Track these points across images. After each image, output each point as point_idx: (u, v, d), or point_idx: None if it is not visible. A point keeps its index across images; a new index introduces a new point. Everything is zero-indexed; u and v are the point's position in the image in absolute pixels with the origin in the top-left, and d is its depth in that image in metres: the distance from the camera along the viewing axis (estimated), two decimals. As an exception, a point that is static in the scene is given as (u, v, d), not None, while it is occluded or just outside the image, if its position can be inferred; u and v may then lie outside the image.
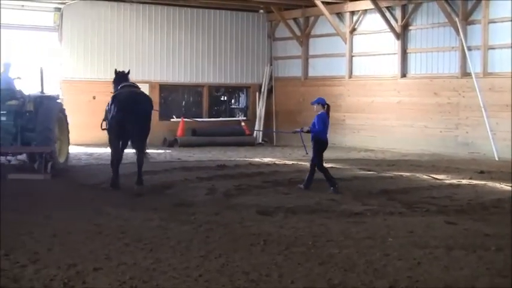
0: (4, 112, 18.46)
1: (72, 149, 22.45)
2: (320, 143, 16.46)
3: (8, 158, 19.13)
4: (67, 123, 20.24)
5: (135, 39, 31.29)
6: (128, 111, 16.20)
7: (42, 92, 19.97)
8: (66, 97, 28.04)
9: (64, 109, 20.23)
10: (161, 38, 31.94)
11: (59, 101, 20.62)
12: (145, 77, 31.25)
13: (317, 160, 16.46)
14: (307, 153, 18.05)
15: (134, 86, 17.46)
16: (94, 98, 27.14)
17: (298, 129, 17.36)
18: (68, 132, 20.27)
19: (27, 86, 19.82)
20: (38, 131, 18.37)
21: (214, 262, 9.10)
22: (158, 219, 12.15)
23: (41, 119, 18.52)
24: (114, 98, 16.64)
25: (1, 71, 19.11)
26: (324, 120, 16.43)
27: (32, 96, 19.21)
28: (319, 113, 16.54)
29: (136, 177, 16.28)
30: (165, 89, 32.69)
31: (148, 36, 31.60)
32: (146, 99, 17.21)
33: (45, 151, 18.00)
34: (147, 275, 8.41)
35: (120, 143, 16.70)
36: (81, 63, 29.99)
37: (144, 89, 29.62)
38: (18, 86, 19.35)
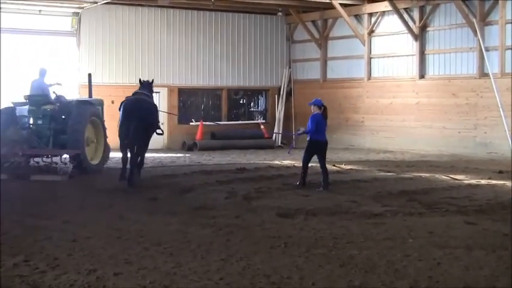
0: (40, 116, 19.59)
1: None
2: (310, 143, 17.06)
3: (36, 159, 19.57)
4: (103, 127, 20.92)
5: (153, 43, 31.42)
6: (127, 117, 17.34)
7: (90, 96, 22.04)
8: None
9: (99, 113, 21.11)
10: (179, 42, 32.06)
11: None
12: (164, 81, 31.38)
13: (304, 157, 17.18)
14: (288, 153, 19.70)
15: (143, 93, 18.13)
16: (112, 102, 27.23)
17: (298, 131, 18.21)
18: (105, 135, 20.96)
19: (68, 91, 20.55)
20: (68, 134, 19.31)
21: (235, 265, 9.14)
22: (178, 223, 12.19)
23: (72, 122, 19.41)
24: (120, 105, 17.84)
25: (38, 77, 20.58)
26: (316, 121, 16.87)
27: (66, 101, 20.34)
28: (314, 113, 16.96)
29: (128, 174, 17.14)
30: (184, 93, 32.78)
31: (166, 39, 31.73)
32: (146, 107, 17.74)
33: (71, 154, 19.05)
34: (167, 279, 8.44)
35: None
36: (99, 68, 30.10)
37: (163, 93, 29.91)
38: (60, 91, 20.83)
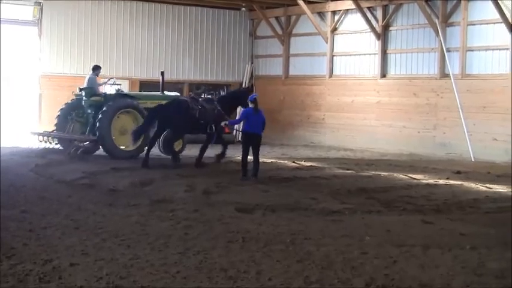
0: (88, 106, 22.41)
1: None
2: (243, 135, 18.22)
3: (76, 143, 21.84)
4: (143, 117, 21.88)
5: (115, 36, 31.24)
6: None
7: (162, 92, 24.14)
8: (45, 92, 28.08)
9: (137, 105, 22.43)
10: (142, 35, 31.91)
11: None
12: (126, 73, 31.27)
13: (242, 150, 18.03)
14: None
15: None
16: (73, 93, 27.02)
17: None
18: None
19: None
20: (98, 123, 21.60)
21: (193, 259, 9.14)
22: (137, 216, 12.17)
23: (101, 113, 21.58)
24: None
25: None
26: (245, 115, 17.89)
27: (109, 94, 22.88)
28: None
29: None
30: (146, 86, 32.59)
31: (129, 32, 31.57)
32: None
33: (89, 139, 21.94)
34: (124, 271, 8.42)
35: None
36: (61, 58, 29.91)
37: (124, 85, 29.75)
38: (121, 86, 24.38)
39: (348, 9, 29.61)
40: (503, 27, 23.85)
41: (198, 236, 10.58)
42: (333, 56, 30.50)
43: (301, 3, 29.62)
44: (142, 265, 8.73)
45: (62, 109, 23.11)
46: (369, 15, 28.56)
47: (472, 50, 25.09)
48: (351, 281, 8.31)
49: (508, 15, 23.66)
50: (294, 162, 22.11)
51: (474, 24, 24.97)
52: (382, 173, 19.83)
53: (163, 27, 32.40)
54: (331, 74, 30.47)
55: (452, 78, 25.01)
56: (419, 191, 16.28)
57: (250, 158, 17.94)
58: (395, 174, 19.61)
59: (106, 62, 30.39)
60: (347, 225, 11.86)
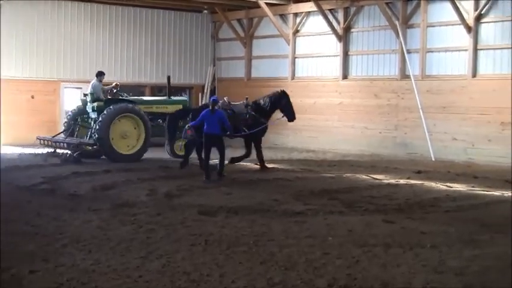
0: (92, 111, 23.15)
1: (9, 150, 23.79)
2: (203, 136, 18.40)
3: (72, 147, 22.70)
4: (143, 121, 23.09)
5: (76, 38, 30.99)
6: None
7: (169, 97, 24.84)
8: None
9: (136, 110, 23.14)
10: (103, 37, 31.73)
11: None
12: (87, 76, 30.96)
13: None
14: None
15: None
16: (32, 97, 26.96)
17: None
18: (146, 129, 23.18)
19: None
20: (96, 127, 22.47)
21: (156, 263, 9.13)
22: (98, 220, 12.12)
23: (101, 117, 22.43)
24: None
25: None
26: (202, 116, 18.35)
27: (110, 99, 23.75)
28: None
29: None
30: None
31: (90, 35, 31.35)
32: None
33: (84, 143, 22.83)
34: (85, 277, 8.38)
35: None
36: (20, 62, 29.58)
37: (85, 89, 29.58)
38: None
39: (309, 12, 29.72)
40: (461, 28, 24.10)
41: (161, 240, 10.57)
42: (295, 58, 30.60)
43: (263, 5, 29.68)
44: (104, 270, 8.69)
45: (69, 114, 24.36)
46: (330, 17, 28.69)
47: (432, 52, 25.32)
48: (313, 281, 8.35)
49: (466, 16, 23.91)
50: (256, 164, 22.10)
51: (434, 26, 25.22)
52: (345, 174, 19.93)
53: (125, 30, 32.26)
54: (293, 76, 30.56)
55: (412, 79, 25.21)
56: (381, 191, 16.41)
57: (215, 161, 18.05)
58: (357, 175, 19.72)
59: (66, 64, 30.30)
60: (310, 226, 11.92)
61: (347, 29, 28.35)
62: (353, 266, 9.10)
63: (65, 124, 24.24)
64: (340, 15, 28.55)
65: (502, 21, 23.40)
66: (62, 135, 24.07)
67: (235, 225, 11.91)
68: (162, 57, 33.28)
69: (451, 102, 24.39)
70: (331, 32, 28.57)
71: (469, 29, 23.91)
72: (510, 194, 16.10)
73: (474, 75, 23.99)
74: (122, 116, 22.83)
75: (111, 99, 23.72)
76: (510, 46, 23.12)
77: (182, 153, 22.58)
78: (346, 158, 24.96)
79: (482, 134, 23.52)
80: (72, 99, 30.77)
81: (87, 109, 23.56)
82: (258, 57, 32.68)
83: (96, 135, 22.27)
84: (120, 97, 24.41)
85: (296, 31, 30.51)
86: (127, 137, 22.97)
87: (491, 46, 23.69)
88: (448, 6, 24.17)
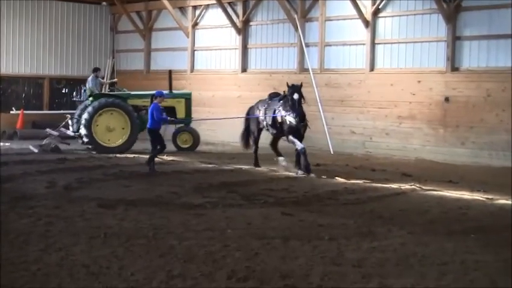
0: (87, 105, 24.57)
1: None
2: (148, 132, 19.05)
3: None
4: (129, 115, 24.05)
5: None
6: None
7: (170, 91, 25.26)
8: None
9: (122, 104, 24.20)
10: (0, 28, 31.07)
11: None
12: (-18, 67, 30.44)
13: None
14: None
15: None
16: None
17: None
18: (132, 123, 24.06)
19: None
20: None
21: (54, 255, 9.03)
22: (-5, 213, 11.91)
23: (87, 112, 23.92)
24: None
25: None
26: (151, 111, 18.62)
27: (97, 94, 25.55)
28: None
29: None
30: (5, 81, 31.86)
31: (-15, 26, 30.71)
32: None
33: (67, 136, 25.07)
34: (-18, 270, 8.25)
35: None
36: None
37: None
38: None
39: (208, 4, 29.79)
40: (359, 23, 24.53)
41: (59, 233, 10.45)
42: (194, 50, 30.62)
43: (162, -3, 29.59)
44: (1, 263, 8.55)
45: (80, 108, 25.60)
46: (229, 10, 28.80)
47: (330, 45, 25.70)
48: (213, 274, 8.38)
49: (363, 11, 24.34)
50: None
51: (332, 20, 25.59)
52: (244, 167, 20.04)
53: (23, 21, 31.72)
54: (192, 69, 30.58)
55: (311, 73, 25.51)
56: (280, 184, 16.57)
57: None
58: (256, 168, 19.84)
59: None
60: (209, 218, 11.96)
61: (246, 22, 28.51)
62: (252, 258, 9.18)
63: (76, 117, 25.23)
64: (239, 9, 28.70)
65: (399, 16, 23.91)
66: (71, 128, 25.50)
67: (135, 217, 11.87)
68: (60, 50, 32.87)
69: (349, 95, 24.83)
70: (230, 25, 28.69)
71: (366, 23, 24.35)
72: (412, 186, 16.53)
73: (372, 69, 24.47)
74: (106, 110, 23.90)
75: (99, 94, 25.30)
76: (407, 41, 23.64)
77: (187, 145, 24.98)
78: (245, 151, 25.02)
79: (380, 127, 24.01)
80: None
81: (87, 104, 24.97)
82: (157, 49, 32.61)
83: (82, 129, 23.70)
84: (117, 91, 25.77)
85: (195, 24, 30.54)
86: (112, 131, 23.95)
87: (389, 40, 24.17)
88: (346, 0, 24.53)
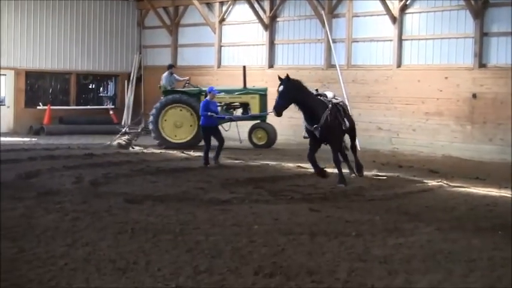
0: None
1: None
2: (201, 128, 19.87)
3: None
4: (197, 112, 23.14)
5: (0, 25, 30.47)
6: None
7: (244, 86, 25.40)
8: None
9: (186, 101, 24.62)
10: (27, 23, 31.30)
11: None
12: (11, 63, 30.63)
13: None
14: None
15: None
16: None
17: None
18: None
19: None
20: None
21: (81, 251, 9.06)
22: (23, 208, 11.95)
23: (155, 108, 24.90)
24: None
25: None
26: (203, 107, 19.24)
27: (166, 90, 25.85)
28: None
29: None
30: (31, 76, 32.04)
31: (14, 20, 30.88)
32: None
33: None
34: (10, 265, 8.26)
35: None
36: None
37: (10, 76, 29.13)
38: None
39: (235, 0, 29.76)
40: (387, 19, 24.42)
41: (86, 228, 10.49)
42: (221, 46, 30.61)
43: (189, -7, 29.63)
44: (28, 258, 8.59)
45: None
46: (256, 6, 28.76)
47: (357, 41, 25.59)
48: (239, 269, 8.38)
49: (391, 7, 24.23)
50: (183, 152, 22.12)
51: (359, 16, 25.48)
52: (271, 163, 20.02)
53: (50, 16, 31.85)
54: (219, 65, 30.57)
55: (338, 69, 25.43)
56: (307, 180, 16.53)
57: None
58: (283, 164, 19.82)
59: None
60: (235, 214, 11.95)
61: (273, 18, 28.47)
62: (279, 254, 9.16)
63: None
64: (266, 4, 28.65)
65: (427, 12, 23.78)
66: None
67: (161, 213, 11.88)
68: (87, 45, 32.99)
69: (376, 92, 24.73)
70: (257, 21, 28.65)
71: (394, 19, 24.24)
72: (439, 183, 16.45)
73: (399, 65, 24.36)
74: (175, 106, 24.56)
75: (169, 90, 25.63)
76: (434, 37, 23.52)
77: (262, 142, 24.89)
78: (272, 147, 25.04)
79: (407, 123, 23.91)
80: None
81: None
82: (184, 45, 32.62)
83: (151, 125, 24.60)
84: (190, 88, 25.85)
85: (222, 19, 30.52)
86: (180, 127, 24.60)
87: (416, 37, 24.05)
88: (372, -3, 24.48)
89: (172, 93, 25.28)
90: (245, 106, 25.33)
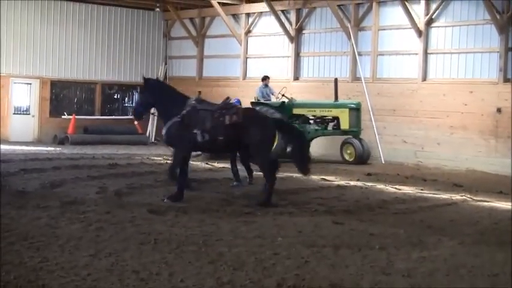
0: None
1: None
2: None
3: None
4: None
5: (26, 34, 30.70)
6: None
7: (336, 100, 24.44)
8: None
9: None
10: (54, 33, 31.50)
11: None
12: (36, 72, 30.85)
13: None
14: None
15: None
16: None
17: None
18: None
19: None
20: None
21: (104, 261, 9.05)
22: (47, 218, 11.96)
23: None
24: None
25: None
26: None
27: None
28: None
29: None
30: (56, 85, 32.22)
31: (40, 30, 31.09)
32: None
33: None
34: (33, 275, 8.25)
35: None
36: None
37: (35, 85, 29.32)
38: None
39: (261, 12, 29.81)
40: (412, 32, 24.38)
41: (110, 238, 10.48)
42: (247, 58, 30.66)
43: (216, 4, 29.69)
44: (51, 268, 8.59)
45: None
46: (282, 18, 28.80)
47: (383, 55, 25.56)
48: (262, 281, 8.35)
49: (417, 20, 24.18)
50: (207, 163, 22.14)
51: (385, 29, 25.46)
52: (294, 175, 19.91)
53: (76, 26, 32.04)
54: (244, 76, 30.61)
55: (363, 82, 25.41)
56: (331, 193, 16.51)
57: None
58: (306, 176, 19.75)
59: (16, 60, 29.98)
60: (259, 226, 11.92)
61: (299, 30, 28.49)
62: (302, 266, 9.13)
63: None
64: (293, 16, 28.68)
65: (452, 26, 23.72)
66: None
67: (185, 224, 11.87)
68: (113, 55, 33.14)
69: (401, 105, 24.67)
70: (283, 33, 28.68)
71: (419, 33, 24.19)
72: (463, 197, 16.35)
73: (424, 78, 24.31)
74: None
75: (256, 102, 24.68)
76: (459, 51, 23.44)
77: (351, 159, 23.71)
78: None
79: (432, 137, 23.83)
80: (21, 95, 30.56)
81: None
82: (209, 56, 32.70)
83: None
84: (285, 100, 24.93)
85: (248, 31, 30.58)
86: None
87: (441, 50, 23.99)
88: (400, 10, 24.46)
89: (257, 105, 23.95)
90: (335, 120, 24.53)
